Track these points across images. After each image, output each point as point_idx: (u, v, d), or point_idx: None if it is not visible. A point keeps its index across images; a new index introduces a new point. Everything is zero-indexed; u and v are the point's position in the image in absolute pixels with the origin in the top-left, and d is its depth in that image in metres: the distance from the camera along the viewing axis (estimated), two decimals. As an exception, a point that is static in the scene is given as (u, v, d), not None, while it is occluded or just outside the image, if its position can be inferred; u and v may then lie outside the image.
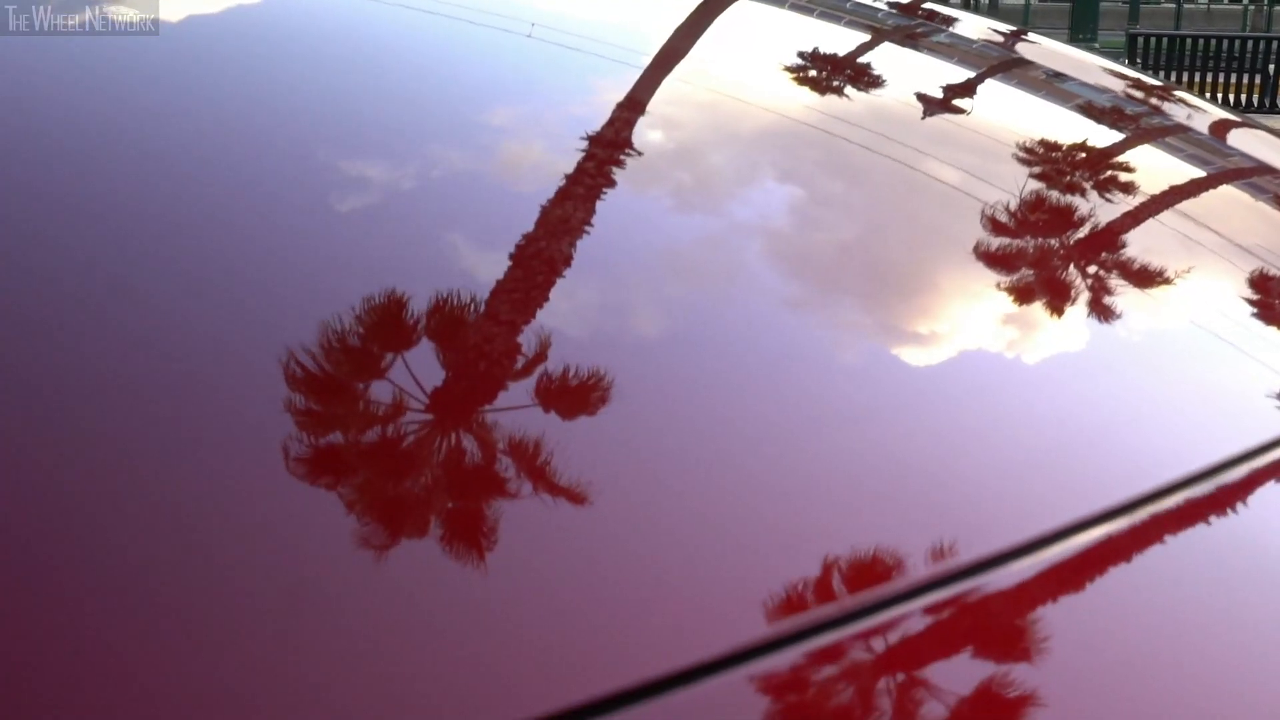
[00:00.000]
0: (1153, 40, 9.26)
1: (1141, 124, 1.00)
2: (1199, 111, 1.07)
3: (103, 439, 0.44)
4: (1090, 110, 1.00)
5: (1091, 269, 0.72)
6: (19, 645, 0.36)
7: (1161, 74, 9.17)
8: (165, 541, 0.41)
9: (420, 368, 0.50)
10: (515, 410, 0.49)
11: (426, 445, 0.47)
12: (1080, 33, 10.04)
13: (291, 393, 0.48)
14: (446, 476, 0.46)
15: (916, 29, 1.13)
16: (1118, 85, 1.13)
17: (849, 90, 0.92)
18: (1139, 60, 9.09)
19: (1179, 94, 1.14)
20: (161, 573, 0.39)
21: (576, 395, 0.51)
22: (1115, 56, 9.62)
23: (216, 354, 0.50)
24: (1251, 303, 0.72)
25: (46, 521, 0.40)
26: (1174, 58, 9.15)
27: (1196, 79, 9.30)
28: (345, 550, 0.41)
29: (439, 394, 0.49)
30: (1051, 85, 1.05)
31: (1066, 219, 0.76)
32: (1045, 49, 1.19)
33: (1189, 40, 9.21)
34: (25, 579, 0.38)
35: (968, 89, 0.98)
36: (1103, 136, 0.96)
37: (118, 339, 0.50)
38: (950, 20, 1.25)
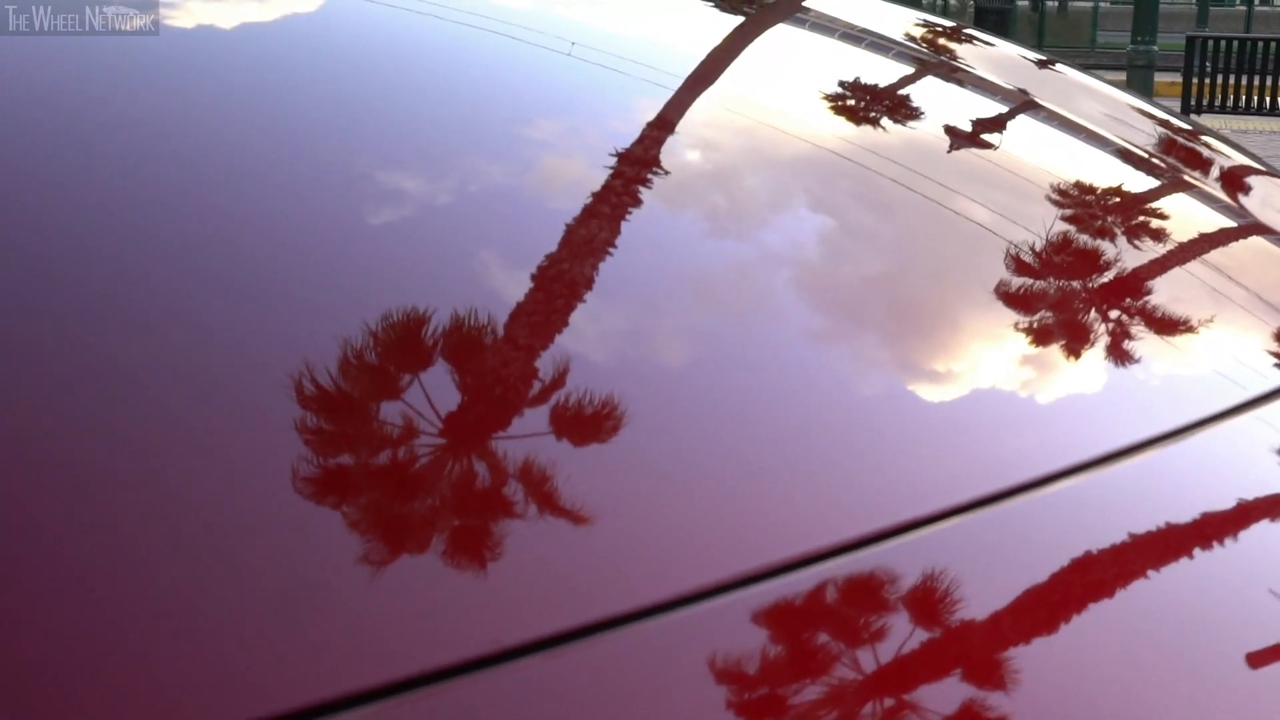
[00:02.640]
0: (1210, 43, 9.07)
1: (1152, 162, 0.99)
2: (1219, 154, 1.06)
3: (112, 439, 0.45)
4: (1105, 145, 0.99)
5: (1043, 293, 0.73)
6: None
7: (1220, 77, 8.97)
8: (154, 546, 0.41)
9: (429, 380, 0.50)
10: (522, 423, 0.50)
11: (425, 457, 0.47)
12: (1140, 35, 9.84)
13: (294, 392, 0.48)
14: (444, 485, 0.47)
15: (942, 59, 1.12)
16: (1140, 123, 1.12)
17: (872, 121, 0.91)
18: (1197, 63, 8.90)
19: (1205, 137, 1.13)
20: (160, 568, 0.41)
21: (583, 411, 0.51)
22: (1175, 58, 9.41)
23: (224, 362, 0.50)
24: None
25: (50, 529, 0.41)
26: (1232, 61, 8.96)
27: (1256, 82, 9.12)
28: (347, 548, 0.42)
29: (444, 404, 0.49)
30: (1070, 120, 1.03)
31: (1051, 254, 0.76)
32: (1072, 81, 1.19)
33: (1247, 43, 9.02)
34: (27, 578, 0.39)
35: (985, 124, 0.97)
36: (1109, 172, 0.95)
37: (122, 341, 0.50)
38: (980, 48, 1.25)
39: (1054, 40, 20.23)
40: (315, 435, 0.47)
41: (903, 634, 0.45)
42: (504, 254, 0.62)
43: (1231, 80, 9.07)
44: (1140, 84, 9.78)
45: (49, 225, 0.56)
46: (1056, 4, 24.36)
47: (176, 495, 0.43)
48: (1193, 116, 9.02)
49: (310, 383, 0.48)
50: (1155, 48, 9.79)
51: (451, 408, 0.50)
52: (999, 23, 16.74)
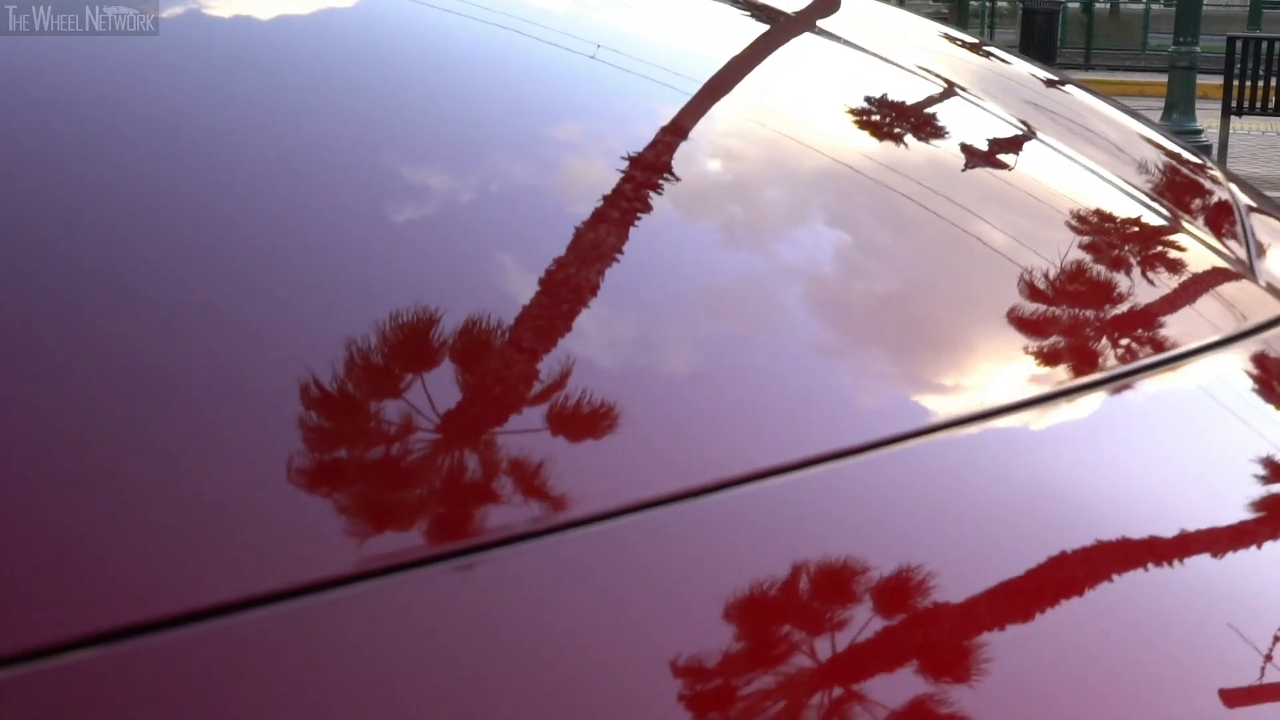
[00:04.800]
0: (1251, 44, 8.82)
1: (1122, 184, 0.95)
2: (1221, 189, 1.04)
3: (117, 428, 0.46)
4: (1088, 166, 0.96)
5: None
6: None
7: (1262, 81, 8.71)
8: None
9: (430, 371, 0.51)
10: (519, 420, 0.51)
11: (418, 444, 0.49)
12: (1183, 36, 9.62)
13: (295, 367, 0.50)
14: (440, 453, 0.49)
15: (950, 76, 1.09)
16: (1146, 152, 1.10)
17: (873, 137, 0.90)
18: (1237, 64, 8.66)
19: (1212, 171, 1.11)
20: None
21: (578, 413, 0.52)
22: (1216, 60, 9.20)
23: (223, 353, 0.50)
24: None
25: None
26: (1273, 62, 8.71)
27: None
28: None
29: (445, 397, 0.50)
30: (1062, 141, 1.01)
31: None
32: (1079, 103, 1.17)
33: (1288, 44, 8.76)
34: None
35: (976, 140, 0.96)
36: (1090, 193, 0.92)
37: (121, 341, 0.49)
38: (995, 64, 1.24)
39: (1104, 42, 19.80)
40: (318, 417, 0.49)
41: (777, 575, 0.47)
42: (515, 254, 0.61)
43: (1274, 82, 8.79)
44: (1182, 85, 9.56)
45: (60, 225, 0.55)
46: (1108, 6, 23.92)
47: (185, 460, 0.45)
48: (1233, 118, 8.81)
49: (311, 354, 0.50)
50: (1198, 49, 9.55)
51: (453, 393, 0.51)
52: (1046, 24, 16.54)
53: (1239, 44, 8.72)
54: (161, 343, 0.49)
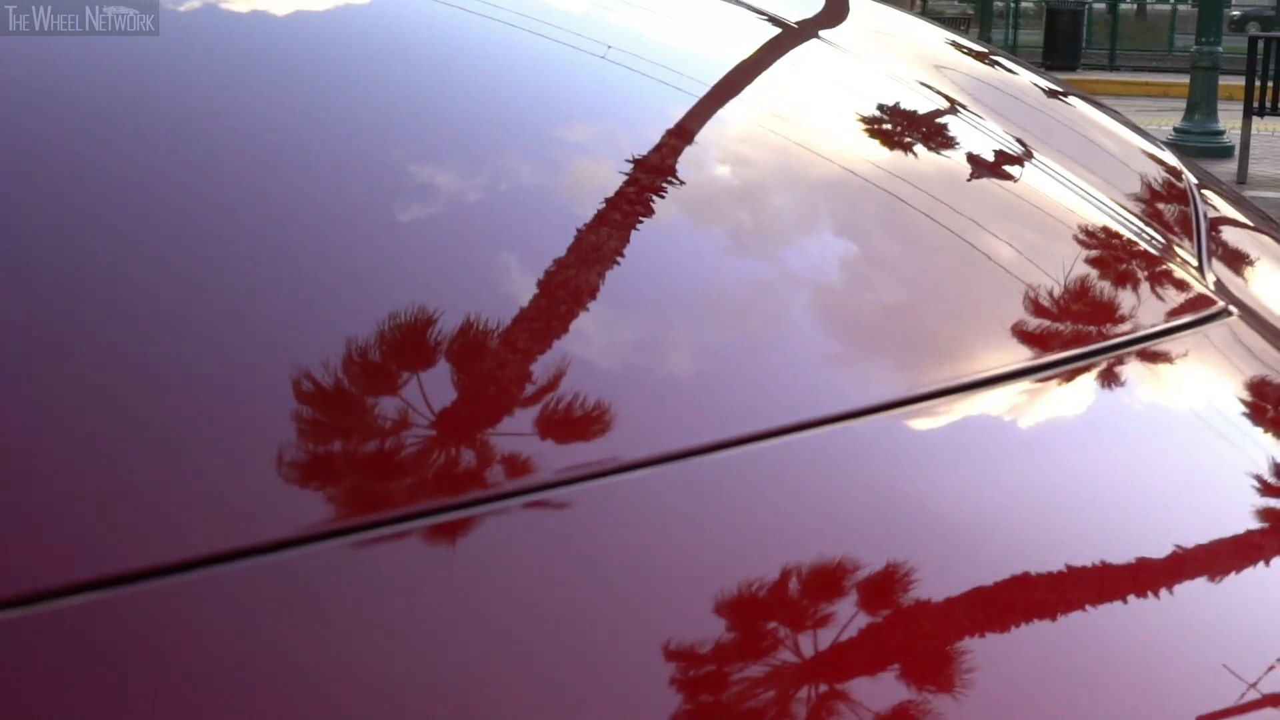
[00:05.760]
0: (1273, 44, 8.69)
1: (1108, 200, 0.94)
2: (1215, 210, 1.03)
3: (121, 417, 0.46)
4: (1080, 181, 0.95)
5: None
6: None
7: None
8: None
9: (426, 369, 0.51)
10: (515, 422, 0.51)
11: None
12: (1205, 36, 9.52)
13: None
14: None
15: (950, 86, 1.08)
16: (1146, 166, 1.09)
17: (876, 144, 0.90)
18: (1259, 63, 8.53)
19: (1209, 185, 1.09)
20: None
21: (575, 415, 0.52)
22: (1238, 59, 9.07)
23: (222, 344, 0.50)
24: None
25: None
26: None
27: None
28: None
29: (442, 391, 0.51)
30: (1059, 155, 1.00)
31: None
32: (1081, 115, 1.17)
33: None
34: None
35: (965, 149, 0.95)
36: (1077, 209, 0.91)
37: (122, 340, 0.49)
38: (1000, 73, 1.23)
39: (1129, 43, 19.62)
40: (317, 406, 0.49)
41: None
42: (521, 253, 0.61)
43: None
44: (1204, 86, 9.47)
45: (63, 223, 0.55)
46: (1134, 6, 23.74)
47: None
48: (1255, 119, 8.69)
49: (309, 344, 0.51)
50: (1220, 49, 9.44)
51: (453, 375, 0.51)
52: (1071, 25, 16.44)
53: (1260, 44, 8.58)
54: (164, 334, 0.49)
